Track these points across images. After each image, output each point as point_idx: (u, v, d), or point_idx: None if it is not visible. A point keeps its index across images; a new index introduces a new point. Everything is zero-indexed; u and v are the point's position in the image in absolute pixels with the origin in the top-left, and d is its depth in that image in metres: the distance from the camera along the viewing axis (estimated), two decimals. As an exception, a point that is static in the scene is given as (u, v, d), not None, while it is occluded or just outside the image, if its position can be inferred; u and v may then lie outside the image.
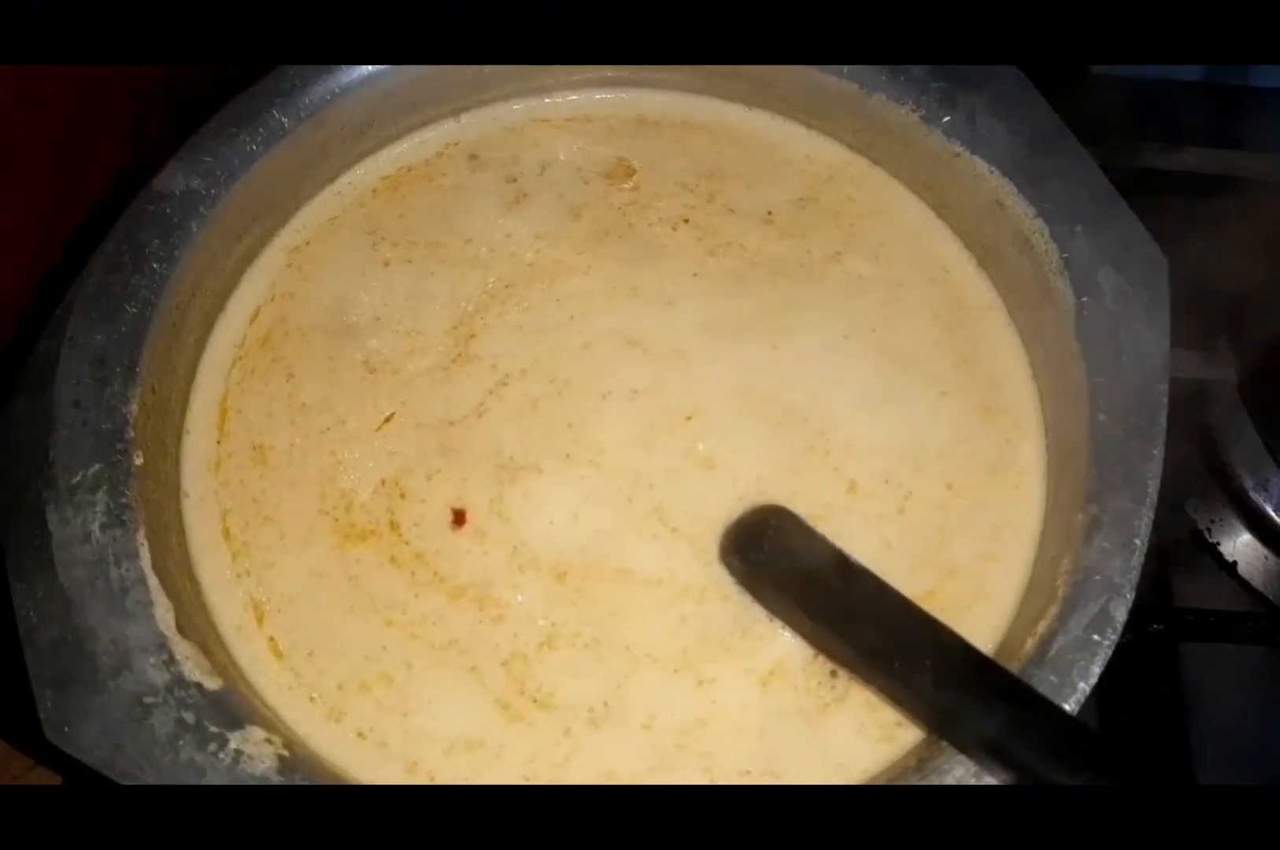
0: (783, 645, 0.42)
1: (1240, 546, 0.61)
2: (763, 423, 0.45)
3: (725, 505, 0.44)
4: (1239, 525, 0.61)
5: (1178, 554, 0.60)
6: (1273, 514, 0.60)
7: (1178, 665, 0.56)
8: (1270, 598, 0.59)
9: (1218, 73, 0.72)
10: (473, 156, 0.51)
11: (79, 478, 0.39)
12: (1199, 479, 0.62)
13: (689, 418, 0.45)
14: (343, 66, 0.47)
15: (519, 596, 0.42)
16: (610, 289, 0.48)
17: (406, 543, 0.43)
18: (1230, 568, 0.60)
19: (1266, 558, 0.60)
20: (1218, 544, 0.60)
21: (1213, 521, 0.61)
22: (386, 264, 0.48)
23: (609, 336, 0.47)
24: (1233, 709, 0.57)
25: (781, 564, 0.41)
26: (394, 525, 0.43)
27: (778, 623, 0.42)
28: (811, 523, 0.43)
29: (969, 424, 0.46)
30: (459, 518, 0.43)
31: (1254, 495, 0.60)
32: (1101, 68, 0.71)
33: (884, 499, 0.44)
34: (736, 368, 0.46)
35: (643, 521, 0.43)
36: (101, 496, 0.38)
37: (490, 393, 0.46)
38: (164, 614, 0.37)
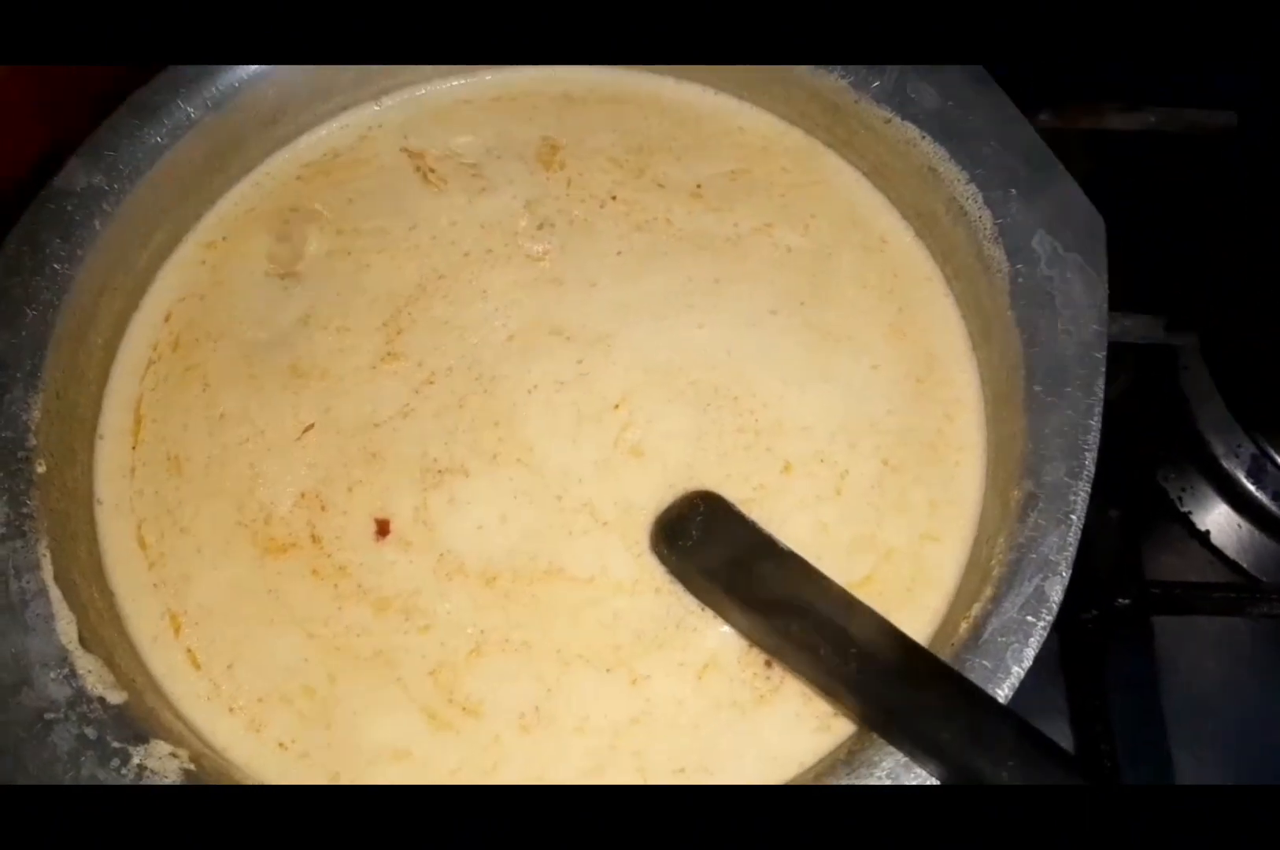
0: (717, 637, 0.41)
1: (1212, 515, 0.59)
2: (690, 406, 0.44)
3: (656, 494, 0.43)
4: (1211, 493, 0.59)
5: (1149, 525, 0.59)
6: (1244, 481, 0.58)
7: (1150, 639, 0.55)
8: (1245, 567, 0.58)
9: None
10: (400, 140, 0.50)
11: (-25, 488, 0.38)
12: (1169, 447, 0.60)
13: (616, 406, 0.44)
14: (248, 52, 0.45)
15: (446, 605, 0.41)
16: (534, 276, 0.47)
17: (329, 555, 0.42)
18: (1203, 537, 0.58)
19: (1239, 526, 0.59)
20: (1189, 513, 0.59)
21: (1184, 490, 0.60)
22: (328, 254, 0.47)
23: (533, 327, 0.46)
24: (1207, 682, 0.56)
25: (710, 551, 0.39)
26: (315, 538, 0.42)
27: (710, 614, 0.41)
28: (745, 507, 0.42)
29: (903, 397, 0.44)
30: (382, 528, 0.42)
31: (1225, 462, 0.59)
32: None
33: (820, 479, 0.43)
34: (660, 350, 0.45)
35: (573, 517, 0.42)
36: (0, 507, 0.37)
37: (416, 392, 0.45)
38: (66, 627, 0.36)
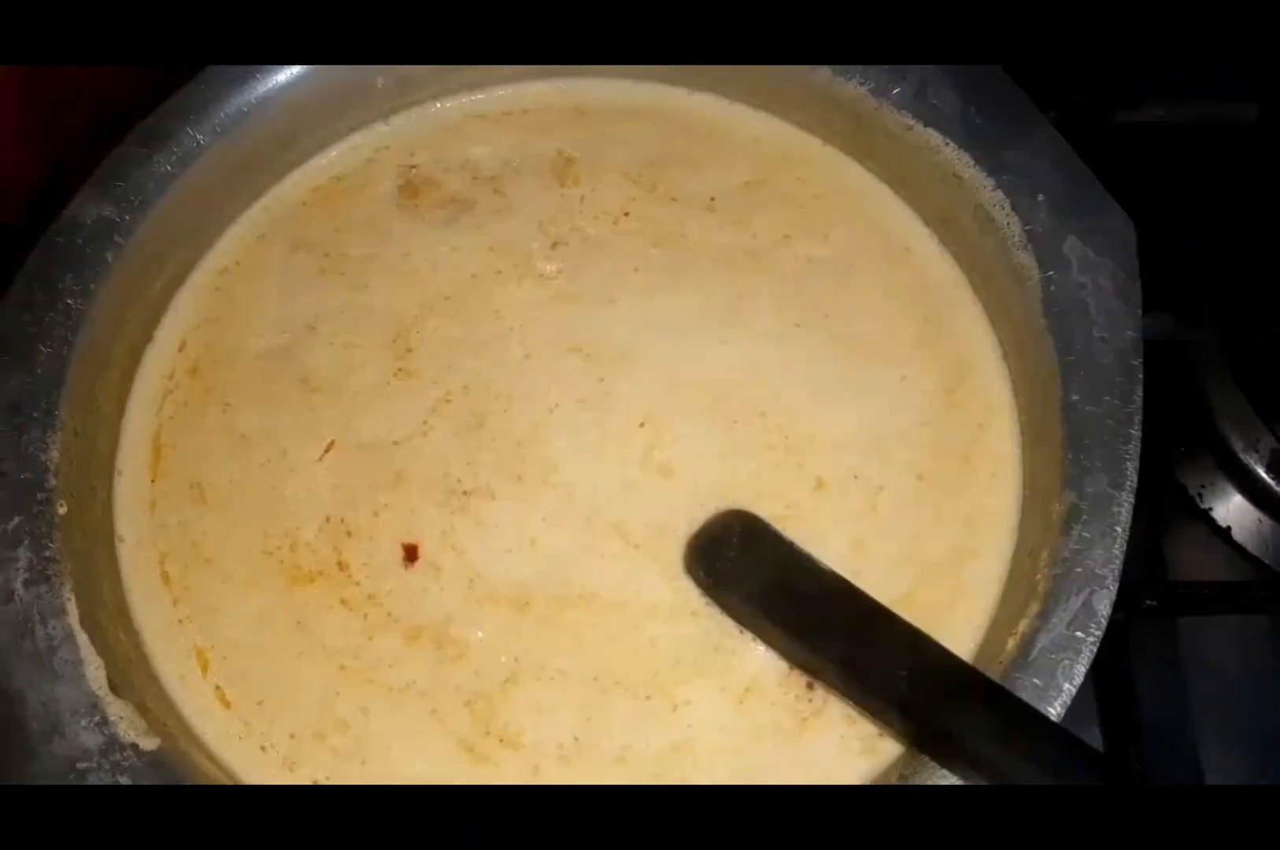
0: (757, 659, 0.40)
1: (1233, 511, 0.59)
2: (718, 423, 0.43)
3: (688, 514, 0.42)
4: (1230, 489, 0.59)
5: (1169, 523, 0.58)
6: (1264, 475, 0.58)
7: (1175, 639, 0.54)
8: (1267, 562, 0.57)
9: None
10: (405, 161, 0.49)
11: (-3, 533, 0.37)
12: (1187, 443, 0.60)
13: (641, 425, 0.43)
14: (257, 76, 0.45)
15: (479, 632, 0.40)
16: (549, 295, 0.46)
17: (357, 583, 0.41)
18: (1224, 534, 0.58)
19: (1260, 521, 0.58)
20: (1210, 509, 0.58)
21: (1204, 486, 0.59)
22: (322, 272, 0.46)
23: (550, 345, 0.45)
24: (1233, 680, 0.55)
25: (747, 573, 0.39)
26: (342, 565, 0.42)
27: (749, 636, 0.40)
28: (779, 525, 0.41)
29: (934, 408, 0.44)
30: (410, 553, 0.42)
31: (1244, 456, 0.58)
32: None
33: (854, 495, 0.42)
34: (685, 367, 0.44)
35: (603, 540, 0.42)
36: (23, 552, 0.37)
37: (433, 410, 0.44)
38: (95, 672, 0.36)
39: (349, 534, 0.42)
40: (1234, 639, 0.56)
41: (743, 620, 0.40)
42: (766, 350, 0.45)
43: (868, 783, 0.38)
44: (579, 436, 0.43)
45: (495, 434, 0.43)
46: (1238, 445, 0.58)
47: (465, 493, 0.42)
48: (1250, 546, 0.58)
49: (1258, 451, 0.58)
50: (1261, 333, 0.59)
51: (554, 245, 0.47)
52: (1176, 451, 0.59)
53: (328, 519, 0.42)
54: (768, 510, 0.42)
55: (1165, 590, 0.54)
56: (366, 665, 0.40)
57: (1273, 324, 0.59)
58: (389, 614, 0.41)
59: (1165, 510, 0.58)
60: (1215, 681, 0.54)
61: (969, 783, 0.34)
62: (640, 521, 0.42)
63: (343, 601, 0.41)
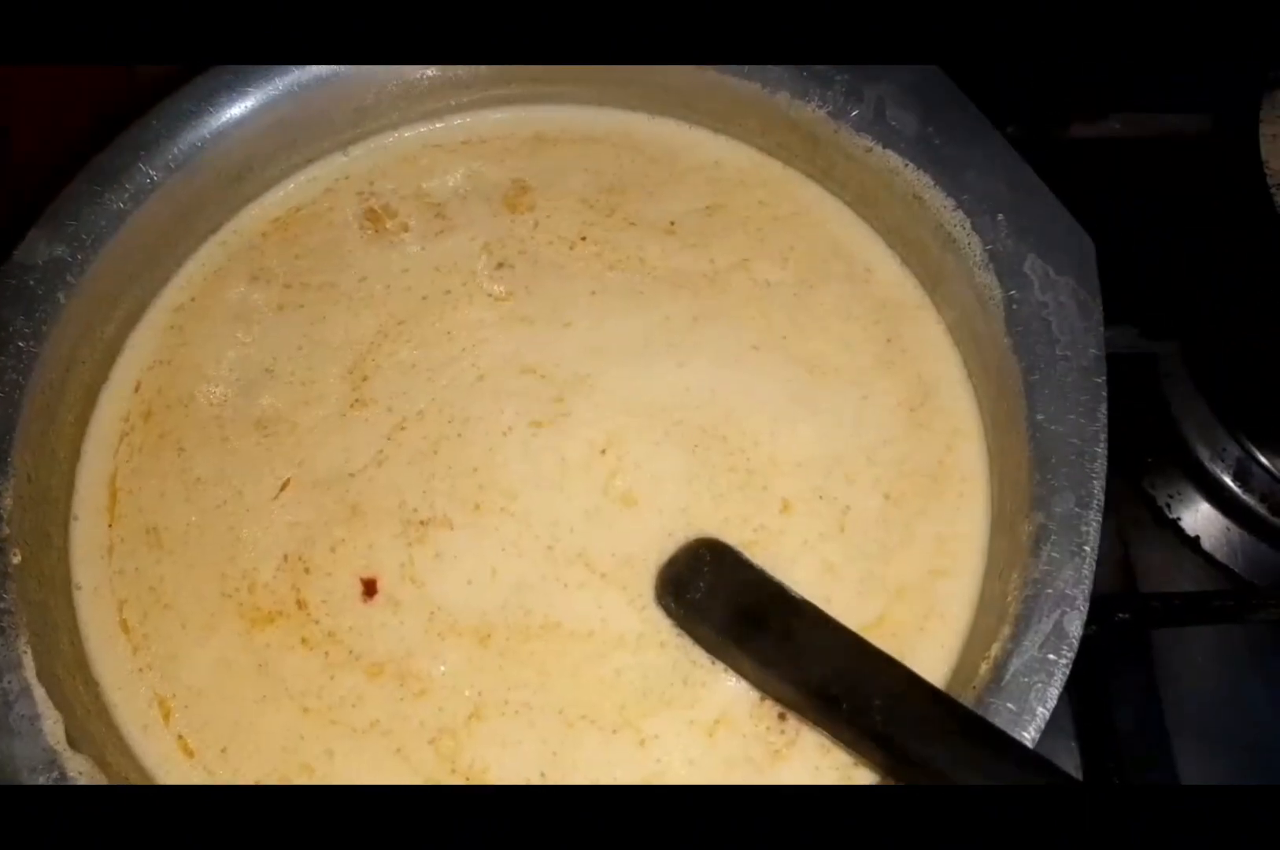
0: (726, 691, 0.39)
1: (1201, 520, 0.59)
2: (679, 447, 0.43)
3: (654, 543, 0.42)
4: (1198, 498, 0.59)
5: (1139, 533, 0.59)
6: (1231, 484, 0.58)
7: (1148, 651, 0.54)
8: (1236, 571, 0.58)
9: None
10: (363, 190, 0.48)
11: (-51, 586, 0.36)
12: (1154, 453, 0.60)
13: (603, 452, 0.43)
14: (210, 110, 0.44)
15: (441, 667, 0.40)
16: (501, 316, 0.46)
17: (316, 621, 0.41)
18: (1193, 543, 0.58)
19: (1229, 529, 0.59)
20: (1179, 519, 0.59)
21: (1171, 496, 0.59)
22: (280, 308, 0.46)
23: (503, 366, 0.45)
24: (1207, 690, 0.55)
25: (719, 603, 0.38)
26: (301, 603, 0.41)
27: (719, 667, 0.40)
28: (747, 549, 0.41)
29: (898, 426, 0.44)
30: (369, 588, 0.41)
31: (1210, 466, 0.59)
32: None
33: (821, 516, 0.42)
34: (642, 390, 0.44)
35: (567, 569, 0.41)
36: (-25, 604, 0.36)
37: (388, 438, 0.44)
38: (53, 726, 0.35)
39: (307, 571, 0.41)
40: (1207, 648, 0.56)
41: (714, 651, 0.39)
42: (725, 373, 0.45)
43: (845, 813, 0.37)
44: (537, 463, 0.43)
45: (450, 461, 0.43)
46: (1204, 454, 0.59)
47: (423, 522, 0.42)
48: (1219, 555, 0.58)
49: (1224, 460, 0.59)
50: (1223, 343, 0.60)
51: (499, 266, 0.47)
52: (1144, 462, 0.60)
53: (285, 557, 0.42)
54: (735, 535, 0.42)
55: (1137, 602, 0.54)
56: (329, 705, 0.40)
57: (1234, 334, 0.59)
58: (350, 651, 0.40)
59: (1134, 520, 0.59)
60: (1190, 691, 0.54)
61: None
62: (605, 550, 0.42)
63: (303, 641, 0.41)
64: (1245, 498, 0.58)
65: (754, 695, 0.39)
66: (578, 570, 0.41)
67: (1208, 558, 0.58)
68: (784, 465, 0.43)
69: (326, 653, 0.40)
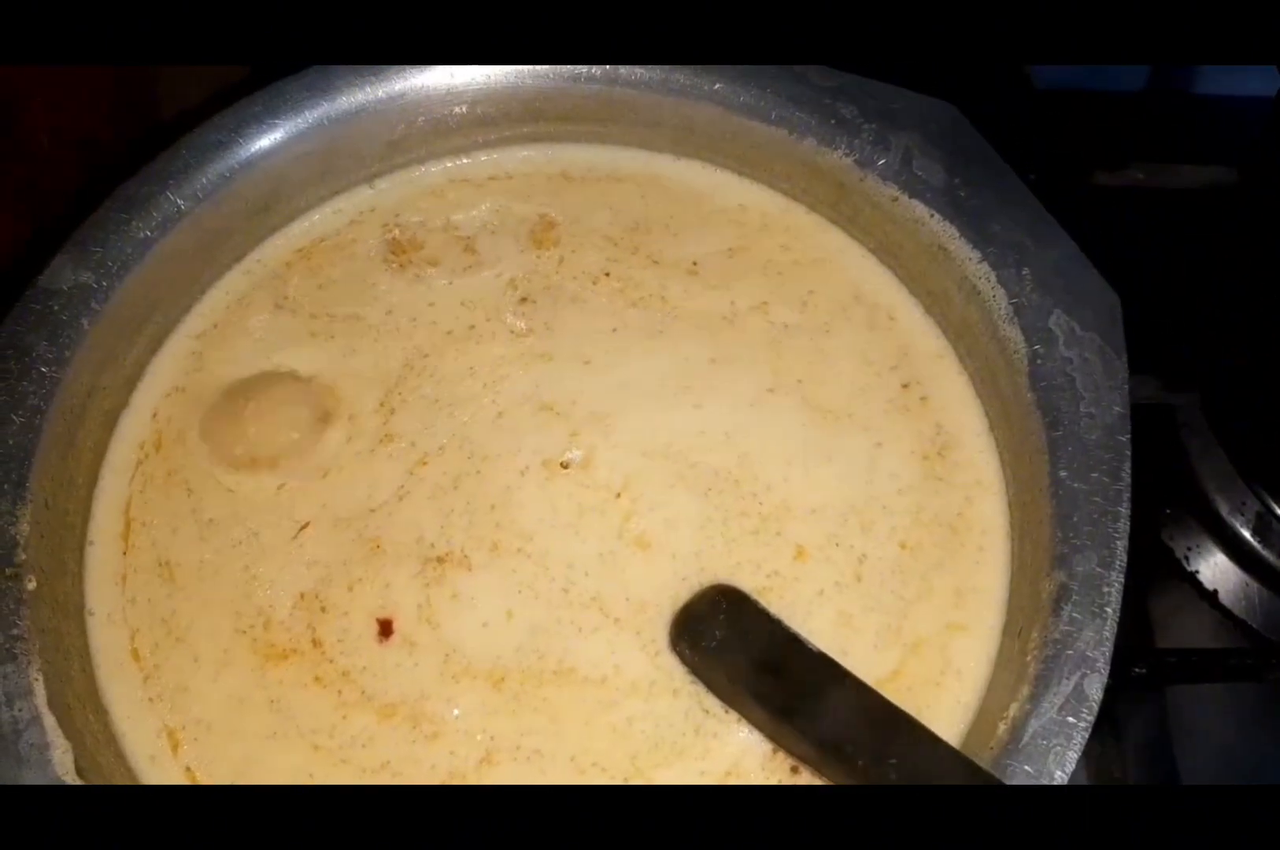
0: (738, 742, 0.39)
1: (1220, 573, 0.58)
2: (692, 491, 0.43)
3: (668, 588, 0.41)
4: (1217, 551, 0.59)
5: (1156, 586, 0.58)
6: (1249, 538, 0.58)
7: (1163, 706, 0.54)
8: (1255, 627, 0.57)
9: (1160, 80, 0.71)
10: (388, 222, 0.49)
11: (-38, 612, 0.36)
12: (1173, 505, 0.59)
13: (618, 495, 0.43)
14: (239, 141, 0.44)
15: (454, 710, 0.39)
16: (522, 352, 0.46)
17: (331, 660, 0.40)
18: (1211, 597, 0.58)
19: (1247, 584, 0.58)
20: (1196, 572, 0.58)
21: (1190, 549, 0.59)
22: (313, 335, 0.46)
23: (522, 403, 0.45)
24: (1220, 746, 0.55)
25: (735, 652, 0.38)
26: (316, 642, 0.41)
27: (732, 717, 0.39)
28: (762, 597, 0.41)
29: (912, 475, 0.43)
30: (385, 628, 0.41)
31: (1229, 519, 0.58)
32: (1041, 83, 0.69)
33: (837, 564, 0.42)
34: (658, 432, 0.44)
35: (581, 613, 0.41)
36: (-12, 632, 0.36)
37: (410, 473, 0.43)
38: (62, 756, 0.34)
39: (323, 610, 0.41)
40: (1223, 706, 0.55)
41: (727, 699, 0.39)
42: (740, 416, 0.44)
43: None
44: (553, 504, 0.43)
45: (469, 496, 0.43)
46: (1223, 508, 0.58)
47: (440, 559, 0.42)
48: (1237, 610, 0.57)
49: (1243, 514, 0.58)
50: (1244, 396, 0.59)
51: (523, 300, 0.47)
52: (1162, 514, 0.59)
53: (301, 596, 0.41)
54: (748, 581, 0.41)
55: (1154, 658, 0.53)
56: (340, 745, 0.39)
57: (1255, 387, 0.59)
58: (363, 691, 0.40)
59: (1152, 573, 0.58)
60: (1201, 746, 0.54)
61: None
62: (619, 594, 0.41)
63: (317, 679, 0.40)
64: (1264, 553, 0.58)
65: (766, 747, 0.39)
66: (592, 614, 0.41)
67: (1225, 612, 0.57)
68: (797, 511, 0.43)
69: (340, 691, 0.40)
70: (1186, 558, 0.58)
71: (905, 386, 0.45)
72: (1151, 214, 0.64)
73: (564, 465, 0.44)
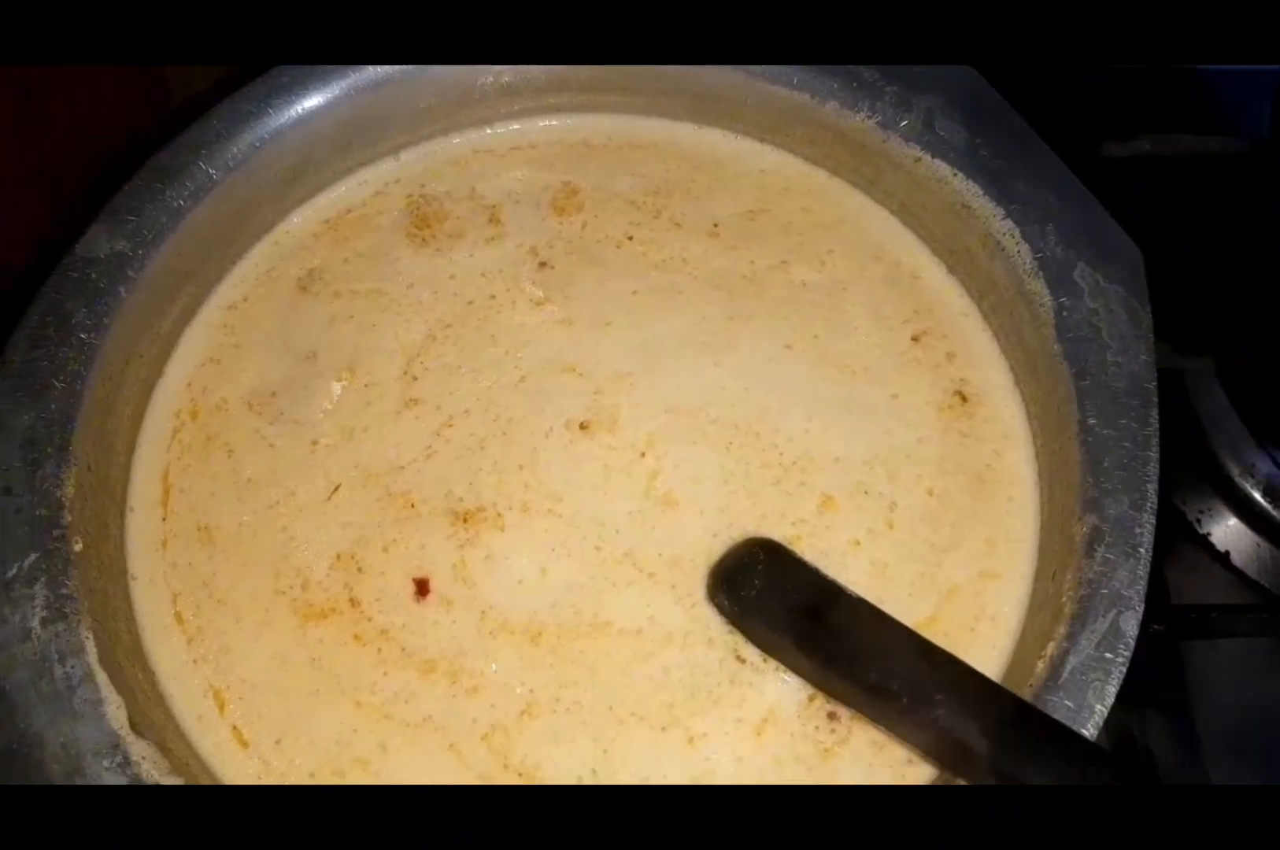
0: (774, 690, 0.40)
1: (1231, 536, 0.59)
2: (714, 446, 0.44)
3: (699, 543, 0.42)
4: (1228, 513, 0.59)
5: (1169, 548, 0.59)
6: (1260, 499, 0.59)
7: (1180, 664, 0.54)
8: (1266, 586, 0.58)
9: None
10: (413, 193, 0.49)
11: (14, 571, 0.36)
12: (1185, 469, 0.60)
13: (642, 454, 0.43)
14: (269, 111, 0.45)
15: (493, 665, 0.40)
16: (543, 319, 0.46)
17: (369, 619, 0.41)
18: (1223, 558, 0.58)
19: (1259, 545, 0.59)
20: (1209, 535, 0.59)
21: (1201, 512, 0.60)
22: (330, 320, 0.46)
23: (545, 366, 0.45)
24: (1239, 704, 0.55)
25: (775, 601, 0.38)
26: (354, 601, 0.41)
27: (769, 666, 0.40)
28: (792, 545, 0.41)
29: (934, 424, 0.44)
30: (421, 587, 0.41)
31: (1240, 481, 0.59)
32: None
33: (868, 511, 0.43)
34: (679, 389, 0.45)
35: (614, 569, 0.41)
36: (40, 589, 0.36)
37: (437, 434, 0.44)
38: (115, 712, 0.35)
39: (360, 570, 0.42)
40: (1234, 661, 0.56)
41: (768, 649, 0.39)
42: (758, 371, 0.45)
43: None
44: (580, 465, 0.43)
45: (497, 456, 0.43)
46: (1234, 470, 0.59)
47: (471, 517, 0.42)
48: (1249, 571, 0.58)
49: (1254, 476, 0.59)
50: (1256, 359, 0.60)
51: (541, 266, 0.47)
52: (1174, 477, 0.60)
53: (338, 556, 0.42)
54: (776, 532, 0.42)
55: (1172, 614, 0.54)
56: (383, 701, 0.40)
57: (1267, 351, 0.60)
58: (402, 648, 0.40)
59: (1164, 535, 0.58)
60: (1219, 703, 0.54)
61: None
62: (651, 551, 0.42)
63: (356, 637, 0.41)
64: (1275, 514, 0.58)
65: (802, 695, 0.39)
66: (626, 570, 0.41)
67: (1238, 573, 0.58)
68: (821, 461, 0.43)
69: (379, 649, 0.40)
70: (1198, 520, 0.59)
71: (922, 341, 0.46)
72: (1160, 183, 0.65)
73: (585, 426, 0.44)
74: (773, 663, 0.40)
